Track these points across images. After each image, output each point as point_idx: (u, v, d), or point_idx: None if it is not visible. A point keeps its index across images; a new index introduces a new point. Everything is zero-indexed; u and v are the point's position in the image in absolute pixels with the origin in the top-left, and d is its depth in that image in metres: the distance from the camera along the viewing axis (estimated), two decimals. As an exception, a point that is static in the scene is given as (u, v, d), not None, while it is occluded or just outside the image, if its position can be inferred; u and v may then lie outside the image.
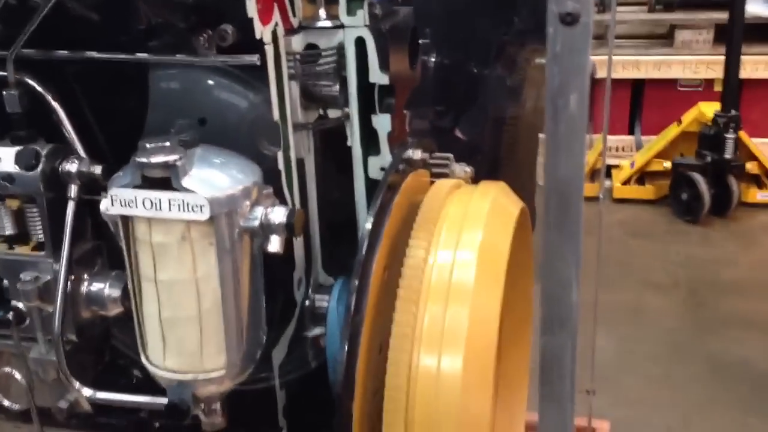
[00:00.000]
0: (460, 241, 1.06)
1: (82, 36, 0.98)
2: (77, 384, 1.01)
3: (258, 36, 0.96)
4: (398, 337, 1.01)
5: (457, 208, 1.12)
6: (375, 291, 1.02)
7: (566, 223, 0.62)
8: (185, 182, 0.83)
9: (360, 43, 1.07)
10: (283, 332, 1.08)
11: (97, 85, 1.05)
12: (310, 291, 1.10)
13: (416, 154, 1.17)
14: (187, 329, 0.89)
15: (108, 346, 1.12)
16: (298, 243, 1.11)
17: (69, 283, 1.00)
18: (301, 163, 1.10)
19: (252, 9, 0.95)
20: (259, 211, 0.88)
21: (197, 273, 0.87)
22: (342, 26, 1.06)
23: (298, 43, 1.06)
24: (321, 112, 1.10)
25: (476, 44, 1.79)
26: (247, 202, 0.88)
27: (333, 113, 1.11)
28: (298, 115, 1.08)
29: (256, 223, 0.88)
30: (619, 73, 4.41)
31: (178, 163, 0.83)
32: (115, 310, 1.02)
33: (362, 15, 1.05)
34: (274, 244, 0.88)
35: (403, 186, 1.13)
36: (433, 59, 1.78)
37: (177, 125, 0.89)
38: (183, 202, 0.83)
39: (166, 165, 0.83)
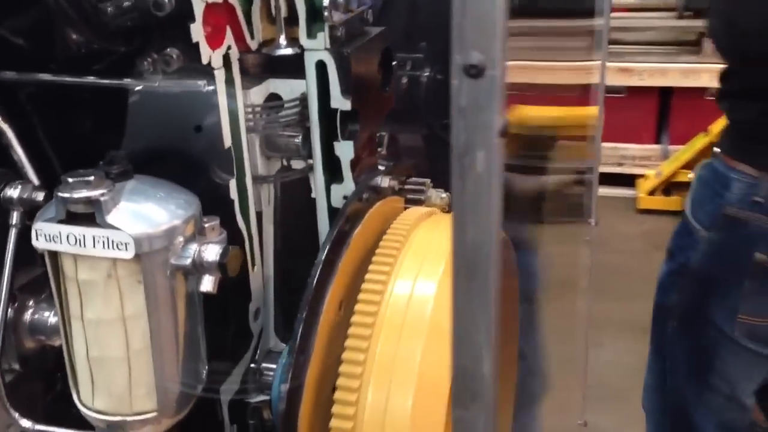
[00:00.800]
0: (419, 274, 1.01)
1: (25, 58, 0.94)
2: (16, 415, 0.97)
3: (205, 61, 0.92)
4: (346, 377, 0.95)
5: (422, 239, 1.06)
6: (326, 330, 0.97)
7: (476, 291, 0.56)
8: (110, 218, 0.79)
9: (321, 67, 1.02)
10: (234, 367, 1.04)
11: (49, 108, 1.02)
12: (257, 357, 1.05)
13: (384, 181, 1.12)
14: (115, 370, 0.85)
15: (59, 376, 1.08)
16: (255, 274, 1.07)
17: (10, 310, 0.96)
18: (258, 216, 1.06)
19: (197, 33, 0.90)
20: (192, 249, 0.83)
21: (125, 312, 0.83)
22: (302, 51, 1.01)
23: (259, 94, 1.03)
24: (284, 162, 1.06)
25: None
26: (180, 239, 0.84)
27: (297, 164, 1.06)
28: (258, 167, 1.04)
29: (188, 261, 0.83)
30: (646, 81, 4.30)
31: (102, 198, 0.78)
32: (59, 341, 0.98)
33: (323, 38, 1.00)
34: (206, 284, 0.83)
35: (369, 214, 1.08)
36: (426, 74, 1.72)
37: (109, 156, 0.84)
38: (107, 239, 0.79)
39: (89, 200, 0.78)
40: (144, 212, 0.81)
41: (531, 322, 1.92)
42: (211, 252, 0.83)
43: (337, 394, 0.95)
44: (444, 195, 1.24)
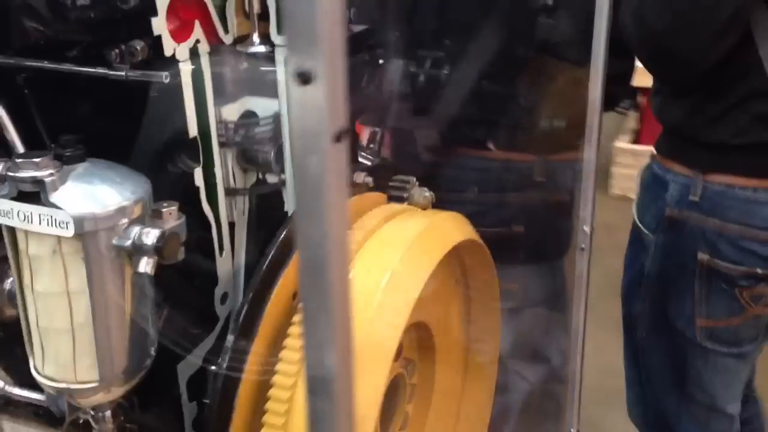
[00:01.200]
0: (367, 278, 1.02)
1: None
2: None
3: (168, 53, 0.96)
4: (277, 388, 0.98)
5: (377, 241, 1.08)
6: (274, 318, 1.00)
7: (318, 288, 0.58)
8: (54, 198, 0.85)
9: (290, 62, 1.05)
10: (195, 347, 1.09)
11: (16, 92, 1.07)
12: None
13: (359, 176, 1.14)
14: (61, 340, 0.91)
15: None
16: (223, 260, 1.11)
17: (-11, 279, 1.04)
18: (231, 226, 1.10)
19: (160, 26, 0.94)
20: (134, 231, 0.88)
21: (69, 287, 0.88)
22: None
23: (234, 111, 1.08)
24: (259, 176, 1.11)
25: (500, 58, 1.71)
26: (124, 221, 0.88)
27: (271, 178, 1.10)
28: (230, 180, 1.10)
29: (128, 243, 0.88)
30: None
31: (47, 179, 0.84)
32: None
33: (292, 35, 1.03)
34: (143, 266, 0.88)
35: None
36: (445, 72, 1.72)
37: (62, 139, 0.90)
38: (51, 217, 0.84)
39: (35, 180, 0.84)
40: (87, 194, 0.87)
41: (557, 325, 1.90)
42: (151, 236, 0.88)
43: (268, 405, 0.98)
44: (427, 194, 1.26)
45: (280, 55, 1.05)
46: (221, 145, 1.07)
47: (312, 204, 0.56)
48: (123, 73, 0.97)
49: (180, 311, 1.07)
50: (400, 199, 1.25)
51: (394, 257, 1.03)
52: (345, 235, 0.58)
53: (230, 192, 1.10)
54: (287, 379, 0.96)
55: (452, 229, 1.17)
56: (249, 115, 1.09)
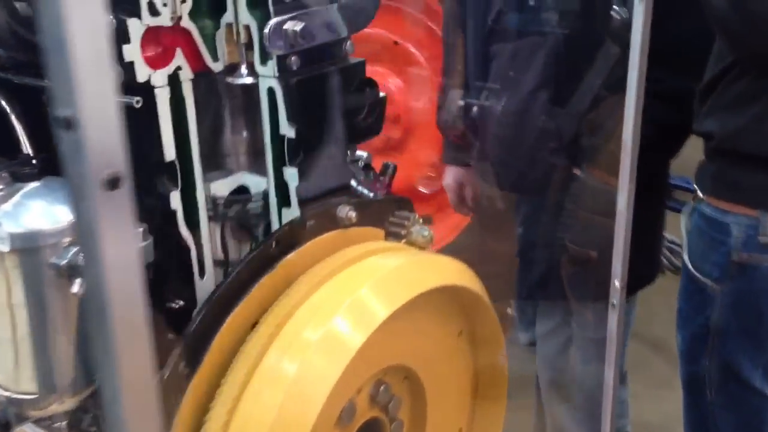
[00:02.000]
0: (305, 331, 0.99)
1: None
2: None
3: (141, 79, 0.98)
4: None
5: (340, 284, 1.04)
6: (225, 343, 0.99)
7: (103, 338, 0.57)
8: (-5, 214, 0.89)
9: (272, 93, 1.04)
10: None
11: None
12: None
13: (343, 210, 1.11)
14: (4, 350, 0.94)
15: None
16: (203, 283, 1.12)
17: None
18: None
19: (131, 53, 0.97)
20: (71, 252, 0.90)
21: (12, 299, 0.92)
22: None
23: (225, 186, 1.10)
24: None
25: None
26: (65, 240, 0.91)
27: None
28: (218, 252, 1.12)
29: (63, 263, 0.90)
30: None
31: (-13, 195, 0.89)
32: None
33: (272, 66, 1.03)
34: (75, 287, 0.90)
35: (313, 242, 1.08)
36: (500, 105, 1.67)
37: (19, 157, 0.94)
38: (-6, 232, 0.88)
39: (-9, 194, 0.89)
40: (29, 212, 0.90)
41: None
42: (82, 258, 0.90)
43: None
44: (426, 233, 1.21)
45: (263, 86, 1.05)
46: (210, 218, 1.10)
47: (89, 253, 0.55)
48: (102, 96, 1.00)
49: (160, 332, 1.08)
50: (397, 236, 1.21)
51: (339, 303, 1.00)
52: (132, 283, 0.57)
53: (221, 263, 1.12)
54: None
55: (433, 272, 1.11)
56: (241, 191, 1.12)
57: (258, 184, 1.12)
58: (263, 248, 1.04)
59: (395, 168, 1.29)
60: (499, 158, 1.74)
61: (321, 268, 1.07)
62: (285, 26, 1.01)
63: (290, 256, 1.05)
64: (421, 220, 1.22)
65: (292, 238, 1.06)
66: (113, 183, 0.53)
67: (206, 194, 1.09)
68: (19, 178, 0.92)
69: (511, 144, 1.71)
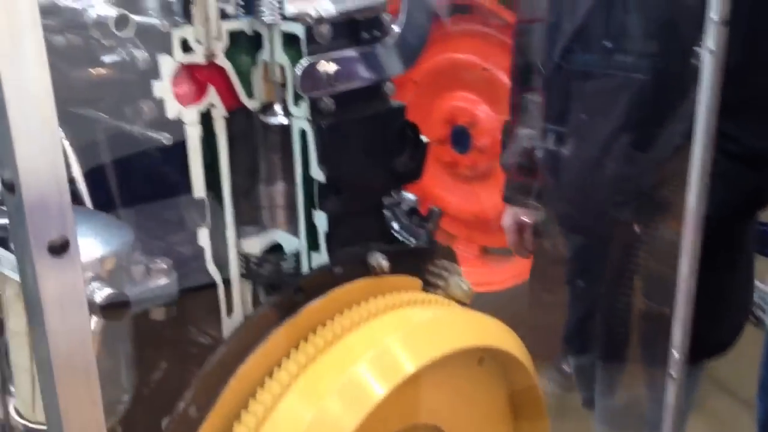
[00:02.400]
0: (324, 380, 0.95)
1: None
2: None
3: (171, 116, 0.98)
4: None
5: (365, 335, 1.00)
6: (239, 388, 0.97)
7: (49, 401, 0.55)
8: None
9: (304, 135, 1.02)
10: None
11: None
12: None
13: (374, 258, 1.07)
14: (23, 379, 0.95)
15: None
16: (233, 320, 1.10)
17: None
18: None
19: (161, 90, 0.96)
20: (90, 287, 0.90)
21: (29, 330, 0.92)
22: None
23: (257, 244, 1.08)
24: None
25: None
26: (87, 274, 0.91)
27: None
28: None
29: (80, 298, 0.90)
30: None
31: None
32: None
33: (304, 107, 1.00)
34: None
35: (340, 290, 1.05)
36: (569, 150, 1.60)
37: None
38: (9, 261, 0.89)
39: (4, 227, 0.89)
40: (48, 246, 0.90)
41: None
42: (100, 295, 0.89)
43: None
44: (466, 286, 1.15)
45: (296, 126, 1.02)
46: (242, 276, 1.09)
47: (33, 320, 0.53)
48: (135, 130, 1.01)
49: (183, 370, 1.08)
50: (435, 288, 1.16)
51: (362, 353, 0.96)
52: (80, 354, 0.55)
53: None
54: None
55: (466, 331, 1.06)
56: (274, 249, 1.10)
57: (292, 243, 1.10)
58: (287, 293, 1.01)
59: (440, 213, 1.24)
60: (572, 202, 1.67)
61: (347, 317, 1.03)
62: (318, 67, 0.99)
63: (315, 302, 1.02)
64: (461, 272, 1.17)
65: (319, 284, 1.03)
66: (58, 248, 0.51)
67: (238, 247, 1.08)
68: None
69: (586, 188, 1.63)
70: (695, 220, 1.17)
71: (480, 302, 1.19)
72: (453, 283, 1.15)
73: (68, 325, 0.53)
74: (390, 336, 1.00)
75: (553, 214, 1.67)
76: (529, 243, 1.88)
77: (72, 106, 1.03)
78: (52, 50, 0.99)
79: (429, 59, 3.16)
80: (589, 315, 1.60)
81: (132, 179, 1.04)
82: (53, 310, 0.52)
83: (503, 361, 1.12)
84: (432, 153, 1.21)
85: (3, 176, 0.50)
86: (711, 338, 1.58)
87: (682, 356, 1.23)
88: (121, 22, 0.92)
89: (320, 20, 0.97)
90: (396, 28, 1.06)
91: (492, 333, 1.09)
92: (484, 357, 1.11)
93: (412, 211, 1.24)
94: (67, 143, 1.03)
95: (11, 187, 0.50)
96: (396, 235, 1.21)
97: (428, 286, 1.16)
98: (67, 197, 0.52)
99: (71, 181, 1.00)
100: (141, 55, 0.96)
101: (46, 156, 0.50)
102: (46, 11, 1.00)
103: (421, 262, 1.16)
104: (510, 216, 1.93)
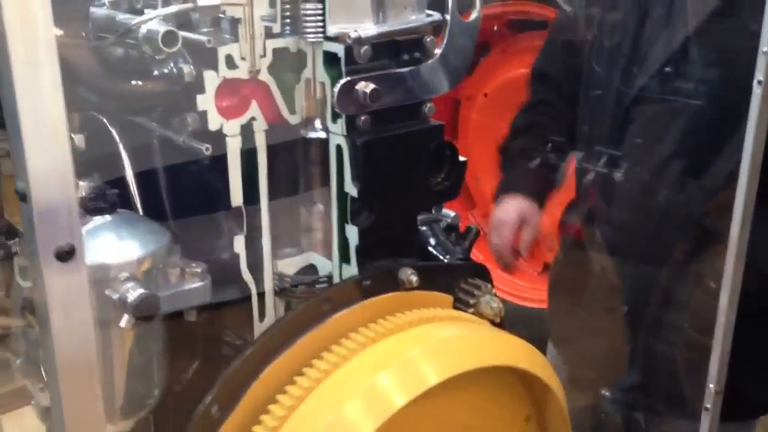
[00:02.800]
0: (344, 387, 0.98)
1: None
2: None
3: (213, 128, 1.02)
4: None
5: (387, 347, 1.02)
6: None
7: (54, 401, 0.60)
8: (63, 243, 0.95)
9: (340, 150, 1.05)
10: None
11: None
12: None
13: (404, 273, 1.10)
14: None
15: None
16: (264, 325, 1.14)
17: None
18: None
19: (204, 103, 1.01)
20: (125, 287, 0.95)
21: (70, 323, 0.99)
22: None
23: (292, 265, 1.13)
24: None
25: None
26: (122, 275, 0.96)
27: None
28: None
29: (116, 296, 0.95)
30: None
31: (60, 226, 0.95)
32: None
33: (341, 124, 1.03)
34: (123, 321, 0.94)
35: (369, 303, 1.08)
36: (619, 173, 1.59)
37: (93, 190, 1.00)
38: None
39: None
40: (90, 246, 0.95)
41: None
42: (132, 295, 0.95)
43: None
44: (495, 305, 1.17)
45: (332, 142, 1.06)
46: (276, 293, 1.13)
47: (42, 321, 0.58)
48: (181, 139, 1.06)
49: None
50: (465, 305, 1.17)
51: (384, 364, 0.99)
52: (83, 353, 0.59)
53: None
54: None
55: (491, 350, 1.07)
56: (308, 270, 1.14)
57: (326, 266, 1.13)
58: (314, 302, 1.05)
59: (477, 233, 1.26)
60: (623, 227, 1.65)
61: (372, 329, 1.06)
62: (356, 87, 1.02)
63: (342, 312, 1.06)
64: (493, 291, 1.19)
65: (347, 295, 1.06)
66: (65, 254, 0.56)
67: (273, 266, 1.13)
68: (90, 211, 0.99)
69: (638, 213, 1.61)
70: (737, 250, 1.16)
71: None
72: (483, 302, 1.16)
73: (72, 326, 0.58)
74: (410, 351, 1.02)
75: (603, 238, 1.65)
76: (527, 247, 1.74)
77: (125, 114, 1.09)
78: (108, 61, 1.06)
79: (501, 74, 3.16)
80: (638, 342, 1.58)
81: (175, 186, 1.09)
82: (58, 311, 0.57)
83: (532, 383, 1.13)
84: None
85: (17, 187, 0.54)
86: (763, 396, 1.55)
87: (718, 389, 1.21)
88: (169, 38, 0.98)
89: (359, 41, 1.01)
90: (438, 51, 1.09)
91: (516, 353, 1.10)
92: (510, 379, 1.12)
93: (450, 228, 1.26)
94: (122, 148, 1.11)
95: (24, 197, 0.54)
96: (431, 250, 1.23)
97: (459, 303, 1.18)
98: (76, 207, 0.56)
99: (121, 185, 1.07)
100: (187, 69, 1.01)
101: (56, 171, 0.54)
102: (104, 26, 1.08)
103: (453, 279, 1.17)
104: (509, 208, 1.70)
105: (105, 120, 1.07)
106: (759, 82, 1.12)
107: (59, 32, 1.04)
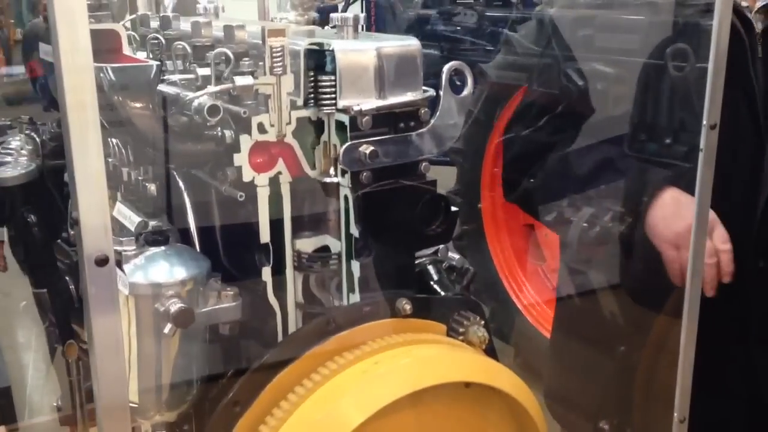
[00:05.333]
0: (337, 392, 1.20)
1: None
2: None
3: (246, 179, 1.29)
4: None
5: (377, 361, 1.24)
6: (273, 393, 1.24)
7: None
8: (126, 267, 1.23)
9: (346, 198, 1.30)
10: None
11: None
12: None
13: (401, 303, 1.32)
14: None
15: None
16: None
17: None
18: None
19: (241, 160, 1.28)
20: (170, 301, 1.22)
21: (131, 329, 1.26)
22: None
23: (309, 244, 1.37)
24: None
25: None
26: (171, 293, 1.23)
27: None
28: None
29: (162, 309, 1.22)
30: None
31: (124, 253, 1.23)
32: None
33: (347, 178, 1.28)
34: (166, 329, 1.21)
35: (369, 326, 1.31)
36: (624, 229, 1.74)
37: (153, 228, 1.29)
38: (120, 279, 1.23)
39: (119, 252, 1.24)
40: (148, 270, 1.24)
41: None
42: (173, 307, 1.21)
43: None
44: (481, 333, 1.37)
45: (341, 193, 1.31)
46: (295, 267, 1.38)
47: (86, 312, 0.84)
48: (223, 188, 1.33)
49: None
50: (456, 333, 1.38)
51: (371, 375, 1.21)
52: (113, 334, 0.85)
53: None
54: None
55: (464, 368, 1.27)
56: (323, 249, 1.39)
57: (337, 246, 1.37)
58: (320, 322, 1.29)
59: (474, 274, 1.48)
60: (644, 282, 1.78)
61: (368, 347, 1.29)
62: (359, 149, 1.27)
63: (342, 333, 1.29)
64: (481, 323, 1.39)
65: (349, 318, 1.30)
66: (101, 262, 0.83)
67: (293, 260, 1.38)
68: (150, 243, 1.28)
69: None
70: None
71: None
72: (471, 332, 1.37)
73: (105, 317, 0.84)
74: (394, 363, 1.24)
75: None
76: None
77: (183, 167, 1.39)
78: (171, 127, 1.36)
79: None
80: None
81: (219, 224, 1.36)
82: (96, 305, 0.83)
83: (517, 413, 1.31)
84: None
85: (72, 214, 0.82)
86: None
87: (681, 418, 1.36)
88: (213, 110, 1.26)
89: (361, 112, 1.26)
90: (432, 121, 1.33)
91: (485, 372, 1.30)
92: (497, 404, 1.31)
93: (451, 269, 1.49)
94: (185, 195, 1.40)
95: (76, 221, 0.82)
96: (433, 285, 1.46)
97: (451, 331, 1.39)
98: (109, 229, 0.83)
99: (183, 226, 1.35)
100: (228, 133, 1.30)
101: (97, 206, 0.81)
102: (170, 100, 1.38)
103: (447, 311, 1.39)
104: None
105: (173, 172, 1.37)
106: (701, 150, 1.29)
107: (137, 105, 1.36)
